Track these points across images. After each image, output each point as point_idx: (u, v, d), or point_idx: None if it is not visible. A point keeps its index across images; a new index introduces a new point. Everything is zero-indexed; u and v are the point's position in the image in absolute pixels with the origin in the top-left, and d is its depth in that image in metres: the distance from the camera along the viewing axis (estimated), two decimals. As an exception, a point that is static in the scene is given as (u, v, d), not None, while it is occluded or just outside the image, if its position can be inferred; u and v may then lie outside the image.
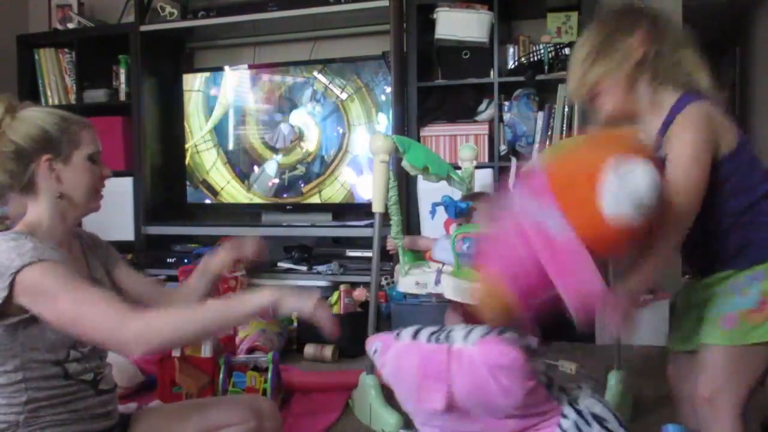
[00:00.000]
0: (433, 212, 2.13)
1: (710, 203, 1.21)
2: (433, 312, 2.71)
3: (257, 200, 3.54)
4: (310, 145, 3.46)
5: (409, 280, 2.03)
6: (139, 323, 1.11)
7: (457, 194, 2.25)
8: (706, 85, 1.29)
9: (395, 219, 2.04)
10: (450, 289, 1.90)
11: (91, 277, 1.33)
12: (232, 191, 3.56)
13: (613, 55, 1.28)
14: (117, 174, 3.43)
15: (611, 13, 1.40)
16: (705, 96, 1.26)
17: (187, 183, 3.54)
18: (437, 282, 1.94)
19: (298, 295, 1.19)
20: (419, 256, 2.20)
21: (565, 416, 1.12)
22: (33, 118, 1.26)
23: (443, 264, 2.01)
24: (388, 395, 2.04)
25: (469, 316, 2.07)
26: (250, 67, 3.55)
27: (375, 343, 1.23)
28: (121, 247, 3.68)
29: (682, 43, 1.37)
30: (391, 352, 1.19)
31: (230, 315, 1.19)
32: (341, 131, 3.40)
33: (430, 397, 1.12)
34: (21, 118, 1.25)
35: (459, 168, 2.52)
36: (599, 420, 1.12)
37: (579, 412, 1.12)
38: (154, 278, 1.50)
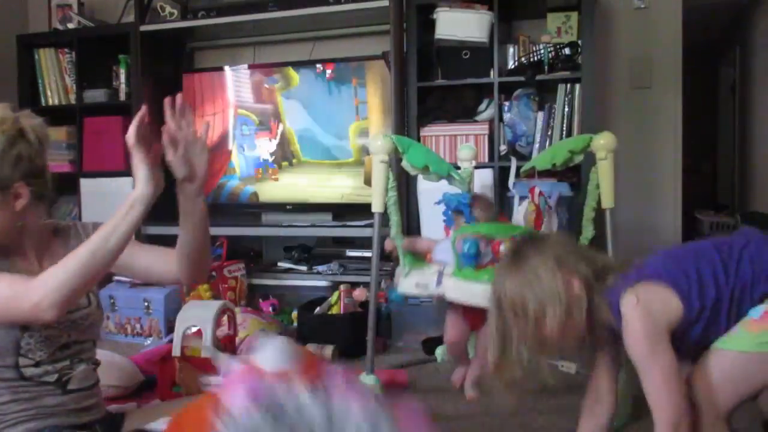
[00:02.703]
0: (448, 219, 2.13)
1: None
2: (434, 313, 2.72)
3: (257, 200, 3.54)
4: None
5: (409, 282, 2.03)
6: (38, 281, 1.13)
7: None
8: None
9: (394, 219, 2.04)
10: (451, 290, 1.90)
11: None
12: (232, 191, 3.57)
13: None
14: (117, 174, 3.49)
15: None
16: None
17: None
18: (438, 283, 1.95)
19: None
20: (419, 257, 2.20)
21: None
22: None
23: (444, 265, 2.01)
24: (388, 395, 2.04)
25: (469, 316, 2.08)
26: (250, 67, 3.55)
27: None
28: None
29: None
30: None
31: (113, 225, 1.18)
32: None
33: None
34: None
35: (458, 168, 2.52)
36: None
37: None
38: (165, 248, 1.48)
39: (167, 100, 1.27)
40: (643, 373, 1.27)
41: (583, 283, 1.29)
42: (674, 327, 1.26)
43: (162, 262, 1.42)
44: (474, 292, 1.85)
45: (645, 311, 1.25)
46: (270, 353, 1.02)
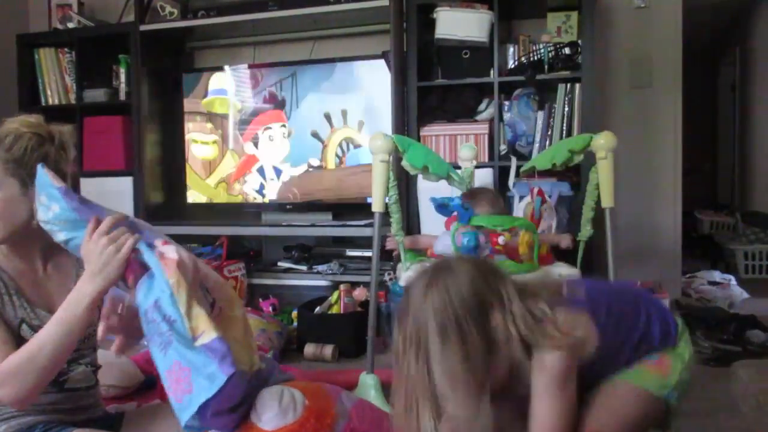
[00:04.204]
0: (442, 210, 2.12)
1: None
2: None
3: (257, 200, 3.55)
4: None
5: (410, 276, 2.03)
6: (7, 373, 1.12)
7: (456, 194, 2.25)
8: None
9: (395, 217, 2.05)
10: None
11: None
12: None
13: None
14: (117, 173, 3.48)
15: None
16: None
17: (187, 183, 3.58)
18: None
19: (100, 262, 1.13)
20: (421, 254, 2.20)
21: None
22: None
23: (445, 258, 2.01)
24: (388, 395, 2.04)
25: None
26: (250, 67, 3.54)
27: None
28: (121, 246, 3.63)
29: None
30: None
31: (73, 319, 1.14)
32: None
33: None
34: None
35: (459, 168, 2.52)
36: None
37: None
38: None
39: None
40: (539, 401, 1.12)
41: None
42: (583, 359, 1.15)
43: None
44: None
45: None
46: (264, 411, 1.03)
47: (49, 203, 1.18)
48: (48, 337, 1.15)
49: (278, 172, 3.49)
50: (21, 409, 1.19)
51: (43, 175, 1.18)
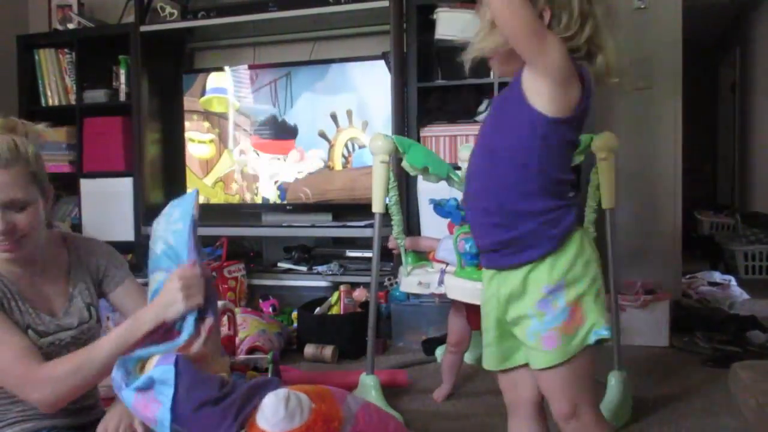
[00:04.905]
0: (438, 210, 2.12)
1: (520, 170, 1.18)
2: (434, 313, 2.72)
3: (257, 200, 3.54)
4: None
5: (411, 281, 2.03)
6: (46, 377, 1.16)
7: (456, 194, 2.25)
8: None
9: (396, 219, 2.05)
10: (453, 289, 1.90)
11: (66, 291, 1.34)
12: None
13: None
14: (117, 174, 3.49)
15: None
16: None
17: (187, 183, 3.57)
18: (440, 282, 1.95)
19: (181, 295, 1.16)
20: (422, 256, 2.20)
21: None
22: None
23: (447, 264, 2.01)
24: (388, 395, 2.04)
25: (472, 316, 2.08)
26: (250, 67, 3.54)
27: None
28: (121, 247, 3.67)
29: None
30: None
31: (128, 343, 1.17)
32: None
33: None
34: None
35: (459, 168, 2.52)
36: None
37: None
38: None
39: None
40: None
41: None
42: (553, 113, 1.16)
43: None
44: (476, 291, 1.85)
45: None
46: (271, 414, 1.04)
47: (176, 222, 1.22)
48: (101, 352, 1.18)
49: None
50: (49, 412, 1.21)
51: (193, 198, 1.24)
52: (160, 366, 1.09)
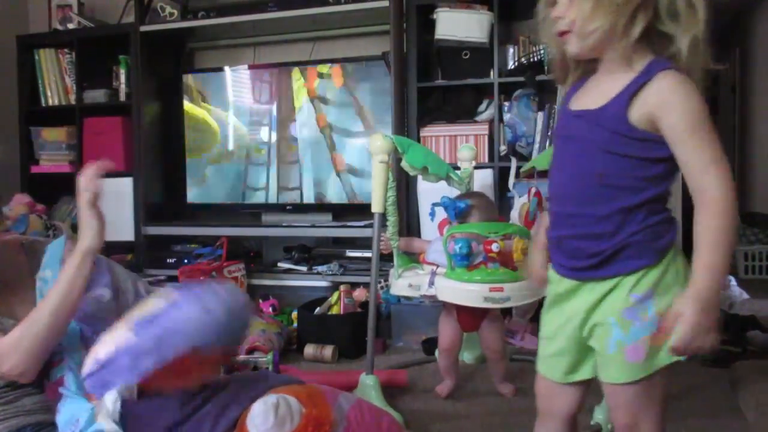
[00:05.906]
0: (432, 213, 2.12)
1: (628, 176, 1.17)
2: (434, 313, 2.72)
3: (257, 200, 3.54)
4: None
5: (402, 283, 2.03)
6: (7, 346, 1.18)
7: (455, 194, 2.25)
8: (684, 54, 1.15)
9: (392, 219, 2.04)
10: (444, 291, 1.90)
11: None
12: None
13: None
14: (117, 174, 3.49)
15: None
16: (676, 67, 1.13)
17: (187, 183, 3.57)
18: (431, 284, 1.94)
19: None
20: (414, 258, 2.20)
21: None
22: None
23: (437, 266, 2.01)
24: (388, 395, 2.04)
25: (463, 318, 2.08)
26: (250, 67, 3.55)
27: None
28: (121, 247, 3.66)
29: None
30: None
31: (69, 281, 1.21)
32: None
33: None
34: None
35: (458, 168, 2.52)
36: None
37: None
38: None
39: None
40: (683, 143, 1.11)
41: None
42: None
43: None
44: (466, 292, 1.85)
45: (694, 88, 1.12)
46: (261, 422, 1.04)
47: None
48: (45, 305, 1.20)
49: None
50: (28, 381, 1.22)
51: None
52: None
